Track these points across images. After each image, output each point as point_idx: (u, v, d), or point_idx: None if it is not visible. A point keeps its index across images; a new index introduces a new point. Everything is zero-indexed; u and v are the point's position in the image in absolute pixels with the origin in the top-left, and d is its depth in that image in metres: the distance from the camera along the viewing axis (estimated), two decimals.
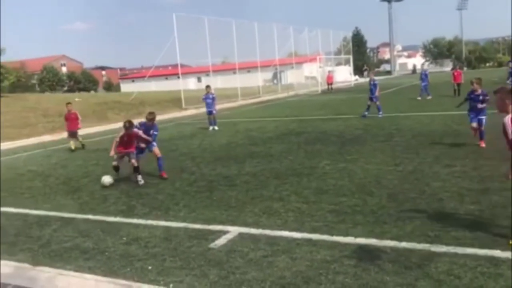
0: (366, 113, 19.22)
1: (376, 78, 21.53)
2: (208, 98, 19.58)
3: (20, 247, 6.39)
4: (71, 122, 16.36)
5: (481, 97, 10.68)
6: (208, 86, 20.49)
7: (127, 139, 9.86)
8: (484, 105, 10.68)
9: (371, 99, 19.65)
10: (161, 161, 10.22)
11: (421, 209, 6.60)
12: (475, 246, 5.11)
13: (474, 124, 10.79)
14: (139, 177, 9.72)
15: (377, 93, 19.82)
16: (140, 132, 9.96)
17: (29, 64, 78.09)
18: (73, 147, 15.84)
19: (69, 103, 17.03)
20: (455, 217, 6.17)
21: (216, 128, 19.02)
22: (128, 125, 9.75)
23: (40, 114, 27.67)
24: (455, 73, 27.45)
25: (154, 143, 10.29)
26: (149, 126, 10.20)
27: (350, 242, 5.55)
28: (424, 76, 27.32)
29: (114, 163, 9.98)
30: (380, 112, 19.21)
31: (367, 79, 20.43)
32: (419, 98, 25.84)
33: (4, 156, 16.61)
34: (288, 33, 49.71)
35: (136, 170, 9.76)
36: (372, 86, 19.81)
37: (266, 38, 45.44)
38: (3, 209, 8.58)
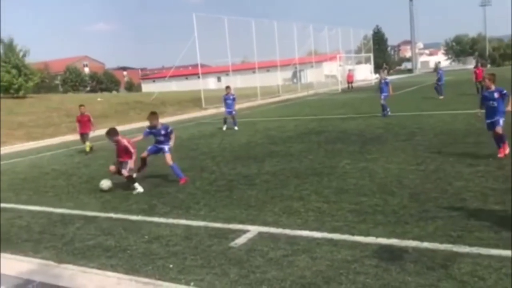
0: (384, 112, 19.03)
1: (388, 77, 21.30)
2: (229, 98, 19.66)
3: (44, 244, 6.52)
4: (83, 124, 16.01)
5: (496, 94, 9.48)
6: (228, 87, 20.57)
7: (118, 149, 9.54)
8: (499, 103, 9.45)
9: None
10: (175, 169, 9.68)
11: (444, 209, 6.51)
12: (499, 247, 5.01)
13: (499, 129, 9.37)
14: (135, 185, 9.17)
15: (390, 92, 19.62)
16: (125, 141, 9.41)
17: (52, 65, 79.75)
18: (87, 149, 15.70)
19: (82, 105, 16.60)
20: (478, 217, 6.05)
21: (236, 128, 19.07)
22: (107, 133, 9.45)
23: (63, 114, 28.19)
24: (477, 71, 26.93)
25: (166, 148, 9.72)
26: (157, 129, 9.75)
27: (371, 242, 5.51)
28: (438, 75, 27.15)
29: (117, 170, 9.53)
30: (388, 110, 18.98)
31: (386, 78, 20.22)
32: (441, 97, 25.49)
33: (29, 155, 16.99)
34: (308, 31, 49.62)
35: (129, 179, 9.28)
36: (383, 84, 19.55)
37: (286, 37, 45.50)
38: (29, 207, 8.79)
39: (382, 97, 19.21)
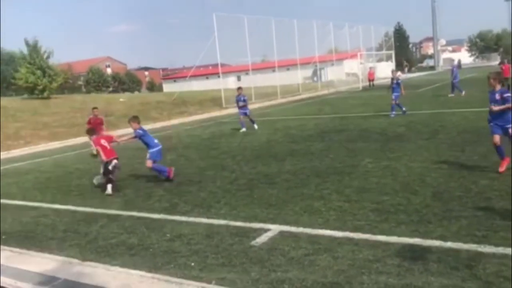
0: (404, 109, 18.76)
1: (400, 77, 20.91)
2: (240, 100, 19.61)
3: (69, 242, 6.64)
4: (95, 127, 16.13)
5: (497, 96, 8.18)
6: (239, 88, 20.47)
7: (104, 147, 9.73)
8: (503, 106, 8.11)
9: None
10: (156, 168, 9.94)
11: (468, 208, 6.39)
12: None
13: (497, 137, 8.14)
14: (108, 186, 9.35)
15: (402, 91, 19.30)
16: (92, 141, 10.03)
17: (75, 65, 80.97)
18: (95, 152, 15.85)
19: (95, 107, 16.70)
20: (504, 216, 5.92)
21: (255, 126, 19.05)
22: (87, 133, 10.56)
23: (86, 115, 28.38)
24: (503, 67, 26.45)
25: (148, 154, 9.90)
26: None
27: (394, 242, 5.45)
28: (453, 73, 26.79)
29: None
30: (393, 112, 18.61)
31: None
32: (463, 94, 25.07)
33: (53, 155, 17.33)
34: (328, 29, 49.31)
35: (106, 179, 9.49)
36: (395, 85, 19.25)
37: (306, 35, 45.27)
38: (54, 206, 8.97)
39: (393, 97, 18.96)
